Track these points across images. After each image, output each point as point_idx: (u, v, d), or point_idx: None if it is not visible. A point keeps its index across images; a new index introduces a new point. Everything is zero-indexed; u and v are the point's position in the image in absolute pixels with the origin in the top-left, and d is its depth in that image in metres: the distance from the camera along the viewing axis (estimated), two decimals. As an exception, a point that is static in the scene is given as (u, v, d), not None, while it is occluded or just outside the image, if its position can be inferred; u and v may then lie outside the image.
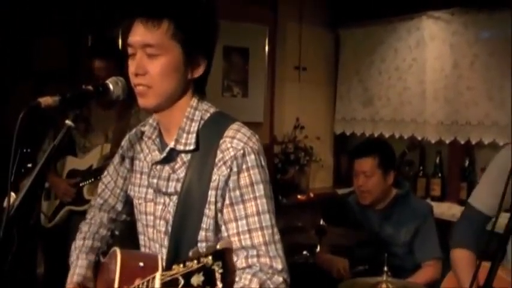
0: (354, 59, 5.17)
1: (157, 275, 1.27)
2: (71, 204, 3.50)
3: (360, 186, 3.37)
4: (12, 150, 1.53)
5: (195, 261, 1.20)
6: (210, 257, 1.20)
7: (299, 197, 4.78)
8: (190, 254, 1.23)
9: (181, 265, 1.22)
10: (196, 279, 1.18)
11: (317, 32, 5.22)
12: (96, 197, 2.07)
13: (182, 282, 1.19)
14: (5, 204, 1.53)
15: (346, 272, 3.27)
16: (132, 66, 1.67)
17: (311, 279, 3.20)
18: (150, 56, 1.64)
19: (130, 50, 1.68)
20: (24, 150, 1.66)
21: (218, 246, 1.23)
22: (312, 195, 4.90)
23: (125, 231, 2.10)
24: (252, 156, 1.65)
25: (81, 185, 3.47)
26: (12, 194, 1.54)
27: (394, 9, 4.67)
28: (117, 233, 2.08)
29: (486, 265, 2.39)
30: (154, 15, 1.63)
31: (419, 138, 4.59)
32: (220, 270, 1.18)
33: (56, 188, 3.54)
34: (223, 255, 1.21)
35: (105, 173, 2.06)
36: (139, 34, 1.64)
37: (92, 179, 3.43)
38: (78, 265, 1.90)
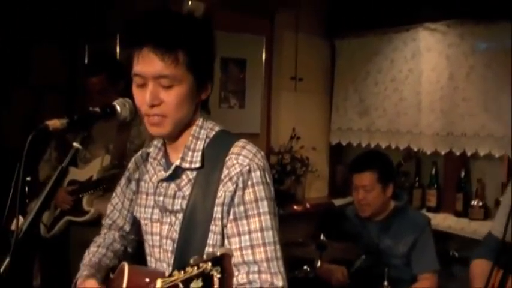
0: (350, 70, 5.18)
1: (159, 282, 1.29)
2: (70, 214, 3.49)
3: (360, 200, 3.39)
4: (20, 173, 1.53)
5: (195, 268, 1.23)
6: (209, 263, 1.22)
7: (295, 207, 4.78)
8: (192, 261, 1.25)
9: (182, 271, 1.24)
10: (195, 285, 1.21)
11: (313, 42, 5.23)
12: (106, 218, 2.10)
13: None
14: (13, 227, 1.54)
15: (344, 279, 3.29)
16: (144, 97, 1.65)
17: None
18: (164, 87, 1.64)
19: (138, 80, 1.67)
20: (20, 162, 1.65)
21: (218, 253, 1.25)
22: (308, 205, 4.90)
23: (136, 250, 2.11)
24: (258, 173, 1.67)
25: (80, 195, 3.46)
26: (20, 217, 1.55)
27: (390, 20, 4.68)
28: (130, 250, 2.10)
29: (498, 273, 2.45)
30: (170, 47, 1.62)
31: (415, 149, 4.60)
32: (219, 275, 1.21)
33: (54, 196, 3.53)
34: (222, 261, 1.23)
35: (114, 194, 2.08)
36: (153, 65, 1.62)
37: (92, 191, 3.43)
38: (89, 265, 1.92)
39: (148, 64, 1.63)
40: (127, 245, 2.09)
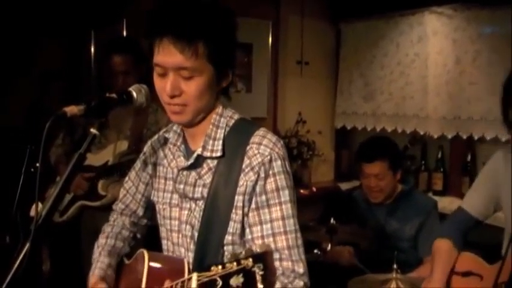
0: (355, 53, 5.18)
1: (194, 276, 1.27)
2: (84, 199, 3.47)
3: (373, 187, 3.40)
4: (39, 161, 1.54)
5: (235, 263, 1.21)
6: (251, 259, 1.21)
7: (302, 191, 4.81)
8: (229, 256, 1.25)
9: (220, 266, 1.23)
10: (236, 281, 1.19)
11: (319, 26, 5.24)
12: (118, 202, 2.10)
13: (220, 283, 1.20)
14: (32, 213, 1.55)
15: (352, 258, 3.32)
16: (165, 87, 1.65)
17: (321, 278, 3.22)
18: (185, 78, 1.64)
19: (159, 70, 1.67)
20: (30, 148, 1.67)
21: (258, 249, 1.25)
22: (314, 189, 4.93)
23: (146, 235, 2.12)
24: (279, 162, 1.69)
25: (95, 180, 3.44)
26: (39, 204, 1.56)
27: (396, 4, 4.68)
28: (139, 236, 2.11)
29: (466, 254, 2.42)
30: (190, 39, 1.61)
31: (422, 133, 4.61)
32: (261, 272, 1.20)
33: None
34: (264, 258, 1.22)
35: (127, 178, 2.08)
36: (173, 56, 1.62)
37: (108, 176, 3.41)
38: (100, 261, 1.92)
39: (169, 55, 1.62)
40: (137, 231, 2.10)
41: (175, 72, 1.64)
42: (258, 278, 1.19)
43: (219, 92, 1.76)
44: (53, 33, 4.12)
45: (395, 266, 2.87)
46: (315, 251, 3.34)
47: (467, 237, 2.56)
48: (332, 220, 3.22)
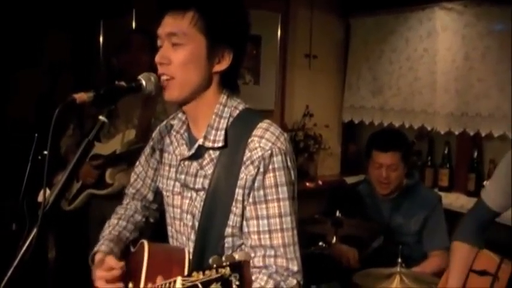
0: (364, 48, 5.17)
1: (179, 280, 1.28)
2: (92, 187, 3.51)
3: (384, 178, 3.39)
4: (48, 147, 1.55)
5: (214, 271, 1.22)
6: (228, 268, 1.21)
7: (308, 184, 4.82)
8: (210, 261, 1.25)
9: (201, 273, 1.24)
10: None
11: (328, 20, 5.23)
12: (129, 187, 2.11)
13: None
14: (40, 199, 1.56)
15: (355, 262, 3.28)
16: (157, 56, 1.71)
17: (327, 270, 3.23)
18: (175, 46, 1.67)
19: (158, 42, 1.73)
20: (37, 135, 1.68)
21: (237, 257, 1.25)
22: (320, 182, 4.93)
23: (158, 221, 2.14)
24: (279, 158, 1.66)
25: (104, 169, 3.47)
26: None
27: (405, -1, 4.68)
28: (152, 220, 2.12)
29: (484, 252, 2.39)
30: (180, 5, 1.67)
31: (429, 128, 4.60)
32: (237, 282, 1.20)
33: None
34: (241, 268, 1.22)
35: (137, 163, 2.09)
36: (166, 25, 1.69)
37: (115, 165, 3.44)
38: (108, 238, 1.93)
39: (163, 25, 1.70)
40: (149, 215, 2.11)
41: (168, 41, 1.69)
42: (234, 287, 1.20)
43: (214, 75, 1.74)
44: (61, 25, 4.14)
45: (399, 260, 2.89)
46: (320, 243, 3.35)
47: (487, 229, 2.48)
48: (338, 213, 3.22)
